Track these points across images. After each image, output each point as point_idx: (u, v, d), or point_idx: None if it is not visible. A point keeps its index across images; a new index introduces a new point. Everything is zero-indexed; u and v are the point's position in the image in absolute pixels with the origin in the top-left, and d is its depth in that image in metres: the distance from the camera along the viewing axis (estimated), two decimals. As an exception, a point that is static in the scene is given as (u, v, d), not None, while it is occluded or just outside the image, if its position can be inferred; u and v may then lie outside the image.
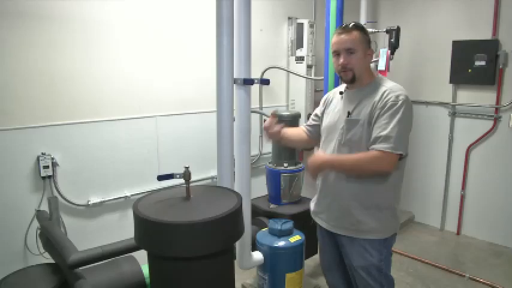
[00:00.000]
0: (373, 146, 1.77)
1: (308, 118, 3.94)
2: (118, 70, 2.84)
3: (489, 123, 3.80)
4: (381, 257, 1.92)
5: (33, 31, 2.45)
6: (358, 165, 1.81)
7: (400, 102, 1.76)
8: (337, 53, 1.88)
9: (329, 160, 1.89)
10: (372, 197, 1.87)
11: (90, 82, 2.72)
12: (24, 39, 2.43)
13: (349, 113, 1.88)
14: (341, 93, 2.00)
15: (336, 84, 3.06)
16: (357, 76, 1.87)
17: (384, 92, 1.80)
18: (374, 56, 3.73)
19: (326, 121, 2.04)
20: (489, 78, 3.69)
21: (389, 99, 1.77)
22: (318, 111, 2.18)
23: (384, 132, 1.74)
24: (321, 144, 2.08)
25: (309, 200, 3.22)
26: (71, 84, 2.64)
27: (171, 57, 3.12)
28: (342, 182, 1.91)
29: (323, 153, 1.99)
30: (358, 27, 1.87)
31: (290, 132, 2.22)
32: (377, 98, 1.81)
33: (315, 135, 2.18)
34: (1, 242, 2.49)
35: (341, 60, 1.86)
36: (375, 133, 1.77)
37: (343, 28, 1.88)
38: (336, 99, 2.05)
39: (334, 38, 1.89)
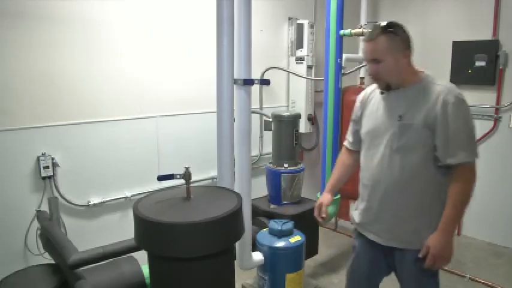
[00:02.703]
0: (450, 161, 1.64)
1: (308, 119, 3.98)
2: (118, 70, 2.84)
3: (489, 124, 3.80)
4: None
5: (34, 31, 2.45)
6: (464, 200, 1.70)
7: (461, 102, 1.65)
8: (367, 62, 1.76)
9: (446, 228, 1.67)
10: (430, 205, 1.74)
11: (91, 82, 2.72)
12: (25, 39, 2.42)
13: (400, 117, 1.71)
14: (382, 92, 1.82)
15: (337, 85, 3.05)
16: (391, 84, 1.73)
17: (440, 92, 1.65)
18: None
19: (368, 125, 1.86)
20: (489, 78, 3.69)
21: (448, 101, 1.62)
22: (354, 116, 1.99)
23: (458, 143, 1.63)
24: (363, 151, 1.91)
25: (309, 200, 3.25)
26: (71, 84, 2.64)
27: (171, 58, 3.11)
28: (396, 190, 1.75)
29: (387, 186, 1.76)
30: (386, 31, 1.67)
31: (339, 175, 2.07)
32: (432, 99, 1.65)
33: (359, 145, 1.98)
34: (1, 242, 2.49)
35: (369, 71, 1.74)
36: (448, 145, 1.63)
37: (368, 34, 1.72)
38: (375, 98, 1.86)
39: (363, 45, 1.75)
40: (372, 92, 1.91)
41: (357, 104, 1.98)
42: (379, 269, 1.96)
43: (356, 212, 1.98)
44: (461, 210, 1.69)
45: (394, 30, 1.68)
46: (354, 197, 2.02)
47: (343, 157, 2.10)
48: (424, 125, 1.65)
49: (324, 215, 2.00)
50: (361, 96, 1.97)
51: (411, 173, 1.71)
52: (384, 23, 1.70)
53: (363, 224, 1.93)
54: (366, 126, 1.88)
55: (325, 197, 2.03)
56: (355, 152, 2.02)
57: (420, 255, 1.69)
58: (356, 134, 1.98)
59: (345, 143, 2.10)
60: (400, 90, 1.74)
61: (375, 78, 1.76)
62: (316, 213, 2.04)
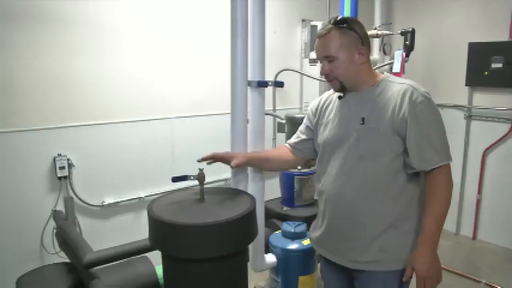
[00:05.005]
0: (425, 166, 1.49)
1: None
2: (133, 73, 2.87)
3: (506, 127, 3.73)
4: None
5: (48, 34, 2.50)
6: (445, 208, 1.49)
7: (430, 101, 1.49)
8: (319, 60, 1.61)
9: (429, 243, 1.47)
10: (399, 219, 1.55)
11: (107, 84, 2.76)
12: (40, 42, 2.47)
13: (363, 120, 1.54)
14: (340, 97, 1.66)
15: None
16: (346, 84, 1.57)
17: (405, 92, 1.49)
18: (389, 58, 3.71)
19: (326, 133, 1.68)
20: (506, 80, 3.62)
21: (416, 100, 1.47)
22: (307, 123, 1.85)
23: (432, 146, 1.47)
24: (320, 164, 1.72)
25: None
26: (86, 86, 2.68)
27: (185, 60, 3.14)
28: (362, 202, 1.56)
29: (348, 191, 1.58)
30: (339, 25, 1.53)
31: (271, 154, 1.95)
32: (397, 99, 1.49)
33: (305, 153, 1.86)
34: (19, 240, 2.53)
35: (321, 70, 1.59)
36: (421, 149, 1.47)
37: (320, 30, 1.57)
38: (332, 105, 1.70)
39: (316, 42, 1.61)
40: (327, 99, 1.75)
41: (310, 112, 1.84)
42: None
43: (317, 231, 1.76)
44: (443, 220, 1.49)
45: (347, 24, 1.53)
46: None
47: (283, 146, 1.94)
48: (392, 128, 1.49)
49: (205, 157, 1.74)
50: (314, 105, 1.83)
51: (378, 182, 1.53)
52: (336, 18, 1.56)
53: (324, 244, 1.72)
54: (324, 135, 1.69)
55: (235, 153, 1.84)
56: (296, 157, 1.88)
57: (404, 279, 1.52)
58: (302, 143, 1.85)
59: (287, 145, 1.92)
60: (359, 93, 1.59)
61: (328, 78, 1.59)
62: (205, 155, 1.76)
